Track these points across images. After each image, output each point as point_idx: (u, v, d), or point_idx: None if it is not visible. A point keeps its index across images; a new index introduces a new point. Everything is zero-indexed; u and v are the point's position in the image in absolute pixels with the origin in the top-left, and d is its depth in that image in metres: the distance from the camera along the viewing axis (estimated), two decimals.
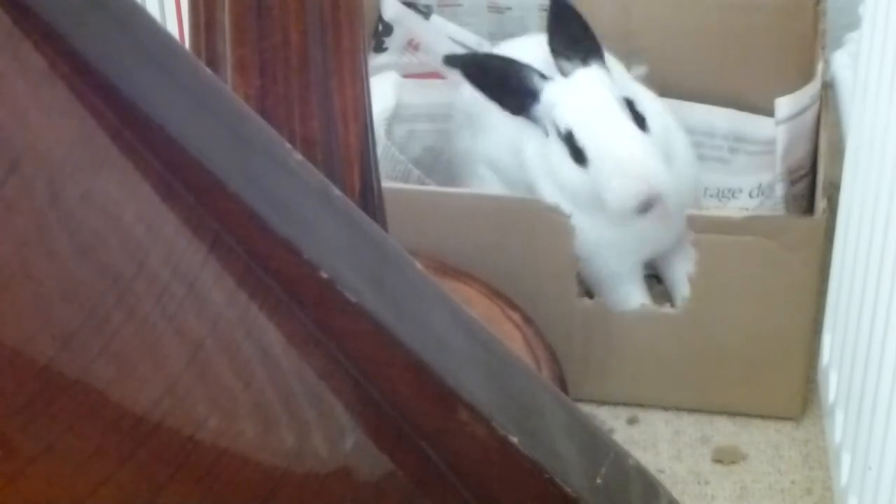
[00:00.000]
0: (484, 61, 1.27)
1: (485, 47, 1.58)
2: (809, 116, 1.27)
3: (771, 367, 1.23)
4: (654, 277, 1.32)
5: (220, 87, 0.55)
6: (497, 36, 1.59)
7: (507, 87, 1.22)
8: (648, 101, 1.26)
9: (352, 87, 0.86)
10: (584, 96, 1.20)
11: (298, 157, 0.55)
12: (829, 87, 1.37)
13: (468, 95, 1.30)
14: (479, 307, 1.15)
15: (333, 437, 0.58)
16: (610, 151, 1.17)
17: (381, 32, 1.57)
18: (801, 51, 1.40)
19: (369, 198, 0.90)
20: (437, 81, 1.49)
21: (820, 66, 1.31)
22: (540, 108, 1.21)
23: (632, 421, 1.26)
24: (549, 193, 1.22)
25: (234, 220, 0.54)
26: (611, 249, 1.22)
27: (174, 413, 0.53)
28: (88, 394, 0.51)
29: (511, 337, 1.13)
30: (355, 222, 0.57)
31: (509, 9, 1.59)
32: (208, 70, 0.55)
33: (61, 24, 0.51)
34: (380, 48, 1.57)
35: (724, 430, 1.25)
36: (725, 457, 1.22)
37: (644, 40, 1.44)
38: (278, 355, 0.56)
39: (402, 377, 0.58)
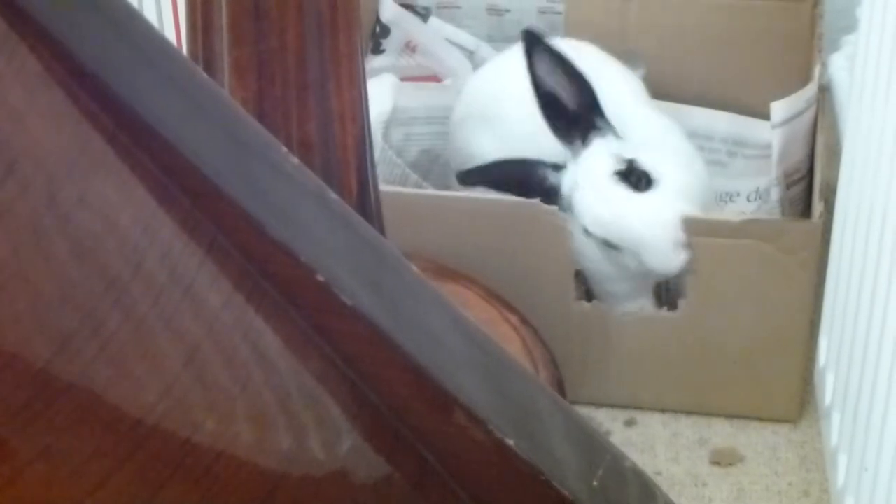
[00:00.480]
0: (499, 171, 1.26)
1: (483, 49, 1.58)
2: (806, 120, 1.27)
3: (768, 370, 1.23)
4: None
5: (216, 90, 0.55)
6: (495, 38, 1.59)
7: (530, 187, 1.22)
8: (657, 136, 1.25)
9: (349, 89, 0.86)
10: (583, 191, 1.19)
11: (295, 160, 0.56)
12: (825, 90, 1.37)
13: (480, 89, 1.30)
14: (476, 310, 1.15)
15: (330, 439, 0.58)
16: (625, 233, 1.18)
17: (379, 34, 1.57)
18: (799, 54, 1.40)
19: (367, 200, 0.90)
20: (434, 84, 1.49)
21: (817, 69, 1.31)
22: (564, 202, 1.21)
23: (629, 423, 1.26)
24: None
25: (231, 224, 0.54)
26: (624, 284, 1.23)
27: (171, 415, 0.53)
28: (86, 396, 0.51)
29: (509, 339, 1.13)
30: (352, 225, 0.57)
31: (508, 11, 1.59)
32: (204, 73, 0.55)
33: (57, 27, 0.51)
34: (377, 50, 1.57)
35: (721, 433, 1.25)
36: (723, 459, 1.22)
37: (642, 44, 1.44)
38: (275, 358, 0.56)
39: (399, 380, 0.58)
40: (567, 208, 1.21)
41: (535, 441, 0.60)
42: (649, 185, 1.18)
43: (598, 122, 1.21)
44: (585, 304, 1.24)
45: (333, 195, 0.56)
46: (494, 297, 1.19)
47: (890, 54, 0.98)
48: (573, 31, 1.45)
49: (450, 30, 1.60)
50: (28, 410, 0.50)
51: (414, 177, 1.38)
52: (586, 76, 1.21)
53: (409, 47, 1.58)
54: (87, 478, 0.53)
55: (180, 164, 0.53)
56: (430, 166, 1.42)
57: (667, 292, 1.27)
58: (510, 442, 0.58)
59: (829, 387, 1.19)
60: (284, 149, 0.56)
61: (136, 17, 0.53)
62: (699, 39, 1.42)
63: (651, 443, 1.24)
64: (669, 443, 1.24)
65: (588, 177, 1.19)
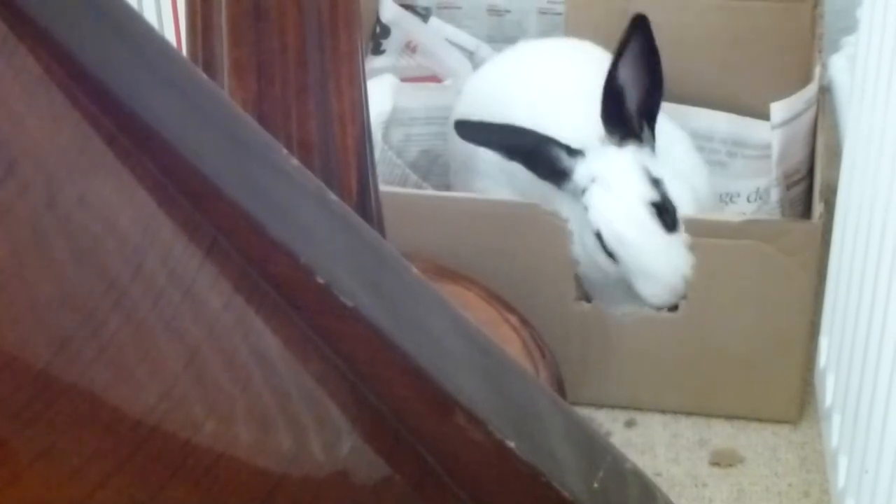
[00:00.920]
0: (506, 136, 1.23)
1: (483, 50, 1.58)
2: (806, 120, 1.27)
3: (768, 371, 1.23)
4: None
5: (216, 91, 0.55)
6: (496, 39, 1.59)
7: (538, 163, 1.21)
8: (663, 145, 1.25)
9: (349, 89, 0.86)
10: (612, 199, 1.19)
11: (295, 161, 0.56)
12: (826, 91, 1.37)
13: (480, 88, 1.30)
14: (476, 310, 1.15)
15: (330, 440, 0.58)
16: (636, 261, 1.18)
17: (379, 34, 1.57)
18: (799, 54, 1.40)
19: (367, 201, 0.90)
20: (434, 85, 1.49)
21: (817, 70, 1.31)
22: (572, 186, 1.21)
23: (629, 424, 1.26)
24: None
25: (231, 225, 0.54)
26: (608, 284, 1.23)
27: (171, 417, 0.53)
28: (85, 397, 0.51)
29: (509, 340, 1.13)
30: (352, 226, 0.57)
31: (508, 12, 1.59)
32: (204, 74, 0.55)
33: (57, 28, 0.51)
34: (377, 50, 1.57)
35: (721, 433, 1.25)
36: (723, 460, 1.22)
37: None
38: (275, 359, 0.56)
39: (399, 381, 0.58)
40: (576, 194, 1.20)
41: (536, 442, 0.60)
42: (674, 227, 1.18)
43: (644, 133, 1.21)
44: (585, 305, 1.24)
45: (333, 196, 0.56)
46: (494, 297, 1.19)
47: (890, 55, 0.98)
48: (573, 32, 1.45)
49: (450, 30, 1.60)
50: (28, 411, 0.50)
51: (414, 177, 1.38)
52: (662, 86, 1.20)
53: (410, 48, 1.58)
54: (87, 479, 0.53)
55: (180, 166, 0.53)
56: (429, 167, 1.42)
57: None
58: (510, 443, 0.58)
59: (830, 388, 1.19)
60: (284, 150, 0.56)
61: (135, 18, 0.53)
62: (699, 40, 1.42)
63: (651, 444, 1.24)
64: (669, 443, 1.24)
65: (619, 187, 1.18)
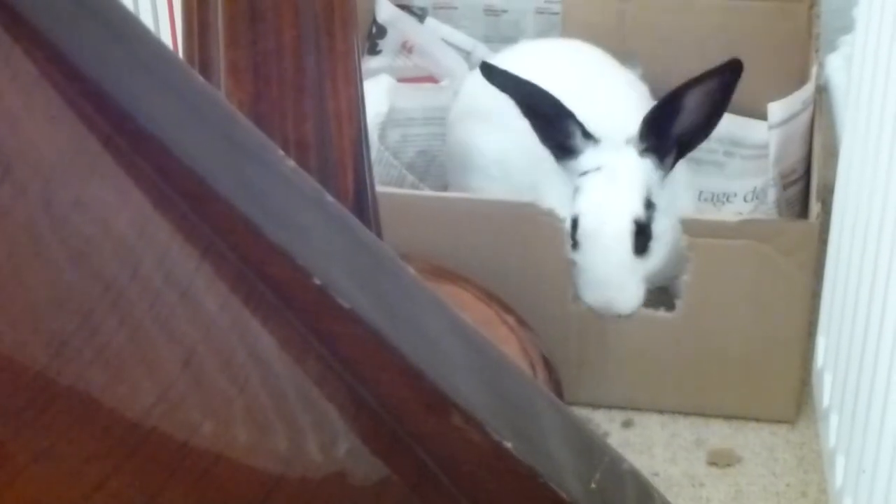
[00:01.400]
0: (531, 94, 1.22)
1: (479, 50, 1.58)
2: (803, 120, 1.27)
3: (766, 371, 1.23)
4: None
5: (212, 93, 0.55)
6: (492, 39, 1.59)
7: (552, 131, 1.21)
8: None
9: (346, 90, 0.86)
10: (605, 195, 1.19)
11: (291, 163, 0.55)
12: (822, 91, 1.37)
13: (478, 85, 1.30)
14: (473, 311, 1.15)
15: (328, 441, 0.58)
16: (592, 260, 1.19)
17: (375, 35, 1.57)
18: (795, 54, 1.40)
19: (364, 201, 0.90)
20: (431, 85, 1.49)
21: (814, 70, 1.31)
22: (572, 166, 1.21)
23: (627, 424, 1.26)
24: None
25: (227, 227, 0.54)
26: None
27: (168, 418, 0.53)
28: (83, 399, 0.51)
29: (506, 341, 1.13)
30: (349, 228, 0.57)
31: (505, 12, 1.59)
32: (200, 76, 0.55)
33: (52, 30, 0.51)
34: (374, 51, 1.57)
35: (719, 433, 1.25)
36: (720, 460, 1.22)
37: (638, 44, 1.44)
38: (272, 361, 0.56)
39: (396, 382, 0.58)
40: (572, 173, 1.20)
41: (533, 443, 0.60)
42: (643, 252, 1.18)
43: (666, 159, 1.20)
44: (582, 305, 1.24)
45: (330, 198, 0.56)
46: (491, 298, 1.19)
47: (887, 54, 0.98)
48: (570, 32, 1.46)
49: (446, 30, 1.60)
50: (25, 413, 0.50)
51: (411, 178, 1.38)
52: (709, 133, 1.21)
53: (406, 48, 1.58)
54: (84, 480, 0.53)
55: (176, 167, 0.53)
56: (426, 167, 1.42)
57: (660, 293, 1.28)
58: (507, 444, 0.58)
59: (827, 387, 1.19)
60: (281, 151, 0.56)
61: (131, 20, 0.53)
62: (696, 40, 1.42)
63: (648, 444, 1.24)
64: (667, 444, 1.24)
65: (618, 187, 1.18)
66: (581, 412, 1.26)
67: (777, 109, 1.24)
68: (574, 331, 1.24)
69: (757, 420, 1.26)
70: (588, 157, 1.20)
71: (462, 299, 1.16)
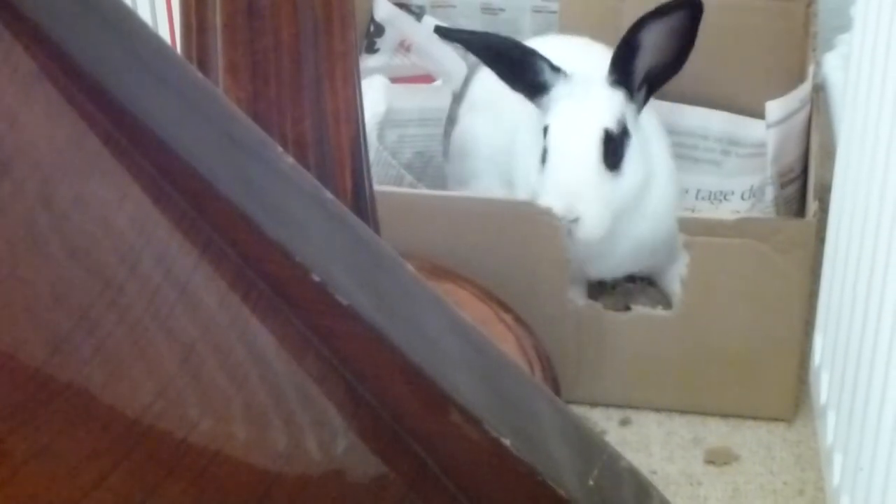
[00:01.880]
0: (485, 42, 1.26)
1: None
2: (800, 119, 1.27)
3: (763, 369, 1.24)
4: (647, 280, 1.32)
5: (211, 90, 0.55)
6: None
7: (517, 72, 1.23)
8: (649, 136, 1.26)
9: (344, 88, 0.86)
10: (575, 107, 1.20)
11: (290, 160, 0.56)
12: (820, 90, 1.37)
13: (488, 80, 1.31)
14: (471, 309, 1.15)
15: (326, 439, 0.58)
16: (559, 166, 1.19)
17: (373, 33, 1.57)
18: (793, 53, 1.40)
19: (362, 199, 0.90)
20: (428, 86, 1.49)
21: (811, 69, 1.31)
22: (545, 102, 1.22)
23: (624, 422, 1.27)
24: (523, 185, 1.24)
25: (226, 224, 0.54)
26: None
27: (167, 415, 0.53)
28: (81, 396, 0.51)
29: (504, 339, 1.13)
30: (347, 225, 0.57)
31: (502, 10, 1.59)
32: (199, 73, 0.55)
33: (52, 27, 0.51)
34: (371, 49, 1.57)
35: (716, 432, 1.25)
36: (718, 458, 1.22)
37: None
38: (271, 358, 0.56)
39: (394, 379, 0.58)
40: (546, 108, 1.22)
41: (531, 441, 0.60)
42: (614, 168, 1.19)
43: (637, 94, 1.22)
44: (580, 304, 1.24)
45: (329, 195, 0.56)
46: (489, 296, 1.19)
47: (884, 53, 0.98)
48: (567, 30, 1.46)
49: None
50: (24, 410, 0.50)
51: (409, 178, 1.38)
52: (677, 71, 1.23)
53: (404, 46, 1.58)
54: (83, 478, 0.53)
55: (175, 164, 0.53)
56: (424, 168, 1.42)
57: (652, 287, 1.28)
58: (506, 441, 0.58)
59: (825, 386, 1.19)
60: (280, 148, 0.56)
61: (130, 17, 0.53)
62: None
63: (646, 442, 1.24)
64: (664, 442, 1.24)
65: (588, 103, 1.20)
66: (578, 410, 1.26)
67: (775, 108, 1.24)
68: (571, 329, 1.24)
69: (754, 418, 1.26)
70: (560, 89, 1.22)
71: (460, 298, 1.16)
